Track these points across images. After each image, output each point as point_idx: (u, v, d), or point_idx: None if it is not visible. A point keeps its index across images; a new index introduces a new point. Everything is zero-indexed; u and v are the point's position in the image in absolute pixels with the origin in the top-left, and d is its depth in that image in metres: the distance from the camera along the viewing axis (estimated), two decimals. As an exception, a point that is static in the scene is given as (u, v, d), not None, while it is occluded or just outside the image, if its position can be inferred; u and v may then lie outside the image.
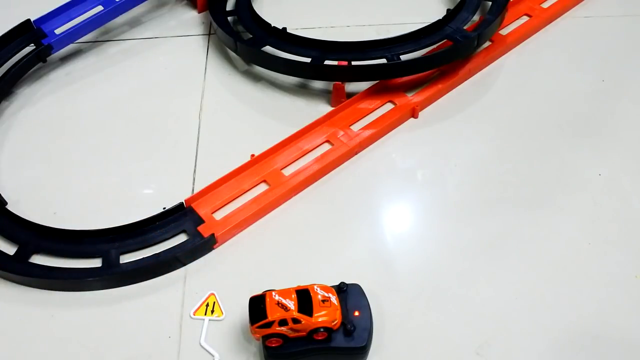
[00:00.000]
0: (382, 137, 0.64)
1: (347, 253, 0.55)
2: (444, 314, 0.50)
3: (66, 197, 0.61)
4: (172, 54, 0.76)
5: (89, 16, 0.73)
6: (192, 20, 0.80)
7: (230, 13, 0.75)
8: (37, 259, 0.55)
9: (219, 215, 0.57)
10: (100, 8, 0.74)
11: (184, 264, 0.55)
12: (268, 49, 0.69)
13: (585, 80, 0.69)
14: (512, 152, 0.62)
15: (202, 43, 0.77)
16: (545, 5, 0.76)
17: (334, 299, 0.46)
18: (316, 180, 0.60)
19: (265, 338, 0.46)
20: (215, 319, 0.51)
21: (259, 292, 0.46)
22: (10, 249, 0.56)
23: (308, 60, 0.66)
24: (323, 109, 0.67)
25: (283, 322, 0.44)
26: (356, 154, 0.63)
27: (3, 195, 0.60)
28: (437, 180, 0.60)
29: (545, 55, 0.72)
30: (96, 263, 0.54)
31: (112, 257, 0.54)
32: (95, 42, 0.78)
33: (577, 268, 0.53)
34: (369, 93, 0.67)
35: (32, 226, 0.56)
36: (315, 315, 0.45)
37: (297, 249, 0.55)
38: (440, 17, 0.69)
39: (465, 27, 0.69)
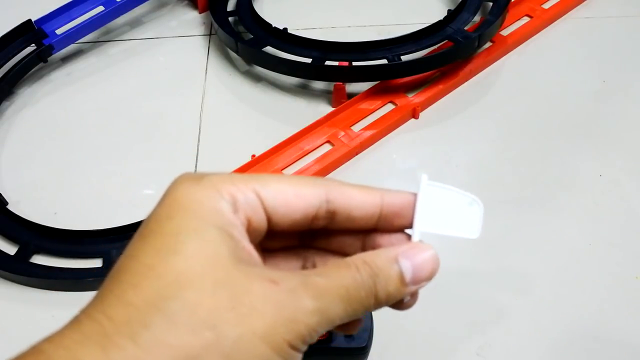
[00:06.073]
0: (383, 137, 0.64)
1: (347, 253, 0.55)
2: (444, 314, 0.50)
3: (67, 197, 0.61)
4: (173, 54, 0.76)
5: (90, 16, 0.73)
6: (193, 20, 0.80)
7: (231, 13, 0.75)
8: (38, 259, 0.55)
9: (219, 216, 0.57)
10: (101, 8, 0.74)
11: (185, 264, 0.54)
12: (269, 49, 0.69)
13: (587, 81, 0.69)
14: (513, 152, 0.62)
15: (203, 43, 0.77)
16: (546, 6, 0.76)
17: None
18: (317, 181, 0.60)
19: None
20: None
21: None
22: (10, 249, 0.56)
23: (309, 60, 0.66)
24: (324, 109, 0.67)
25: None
26: (357, 154, 0.63)
27: (4, 195, 0.60)
28: (438, 181, 0.60)
29: (546, 55, 0.72)
30: (97, 263, 0.54)
31: (113, 257, 0.54)
32: (96, 43, 0.78)
33: (578, 269, 0.53)
34: (370, 94, 0.67)
35: (33, 226, 0.56)
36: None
37: (297, 249, 0.55)
38: (441, 18, 0.69)
39: (466, 28, 0.69)
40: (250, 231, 0.22)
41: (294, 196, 0.23)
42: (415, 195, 0.25)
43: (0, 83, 0.68)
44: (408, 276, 0.23)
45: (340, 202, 0.24)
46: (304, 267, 0.26)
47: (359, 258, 0.22)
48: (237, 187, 0.22)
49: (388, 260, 0.23)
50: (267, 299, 0.20)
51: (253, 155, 0.61)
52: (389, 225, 0.25)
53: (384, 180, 0.61)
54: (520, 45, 0.73)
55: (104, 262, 0.54)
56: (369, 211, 0.24)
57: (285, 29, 0.69)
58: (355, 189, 0.24)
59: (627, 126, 0.64)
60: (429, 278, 0.24)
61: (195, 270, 0.20)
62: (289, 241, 0.26)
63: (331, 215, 0.24)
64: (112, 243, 0.55)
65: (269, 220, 0.23)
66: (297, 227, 0.24)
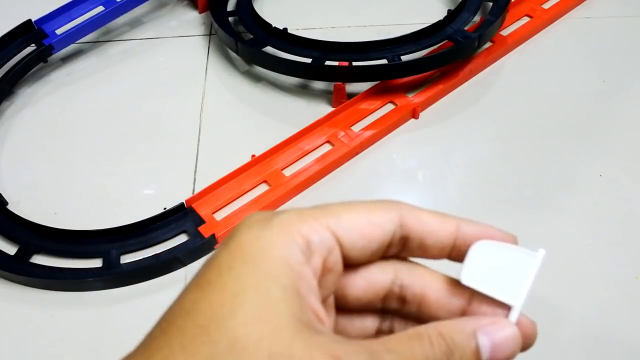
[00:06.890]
0: (382, 137, 0.64)
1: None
2: (445, 315, 0.50)
3: (67, 197, 0.61)
4: (173, 54, 0.76)
5: (90, 16, 0.73)
6: (193, 20, 0.80)
7: (231, 13, 0.75)
8: (38, 259, 0.55)
9: (219, 216, 0.57)
10: (101, 8, 0.74)
11: (185, 265, 0.55)
12: (269, 49, 0.69)
13: (586, 81, 0.69)
14: (513, 152, 0.62)
15: (203, 43, 0.77)
16: (546, 6, 0.76)
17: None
18: (317, 181, 0.60)
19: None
20: (215, 320, 0.51)
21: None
22: (10, 249, 0.56)
23: (309, 60, 0.66)
24: (324, 109, 0.67)
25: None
26: (357, 154, 0.63)
27: (3, 195, 0.60)
28: (438, 181, 0.60)
29: (546, 55, 0.72)
30: (97, 263, 0.54)
31: (113, 257, 0.54)
32: (96, 43, 0.78)
33: (578, 269, 0.53)
34: (370, 94, 0.67)
35: (33, 226, 0.56)
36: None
37: (297, 249, 0.55)
38: (441, 18, 0.69)
39: (466, 28, 0.69)
40: (325, 272, 0.21)
41: (369, 225, 0.21)
42: (492, 231, 0.25)
43: (0, 83, 0.68)
44: (485, 356, 0.21)
45: (413, 227, 0.22)
46: (379, 329, 0.24)
47: (433, 329, 0.20)
48: (311, 225, 0.20)
49: (466, 335, 0.21)
50: None
51: (253, 155, 0.61)
52: (460, 258, 0.24)
53: (384, 180, 0.61)
54: (520, 45, 0.73)
55: (104, 262, 0.54)
56: (442, 239, 0.23)
57: (285, 29, 0.69)
58: (429, 214, 0.23)
59: (627, 126, 0.64)
60: (508, 359, 0.21)
61: (252, 338, 0.18)
62: (370, 304, 0.24)
63: (404, 241, 0.22)
64: (112, 243, 0.55)
65: (345, 256, 0.21)
66: (373, 258, 0.22)
